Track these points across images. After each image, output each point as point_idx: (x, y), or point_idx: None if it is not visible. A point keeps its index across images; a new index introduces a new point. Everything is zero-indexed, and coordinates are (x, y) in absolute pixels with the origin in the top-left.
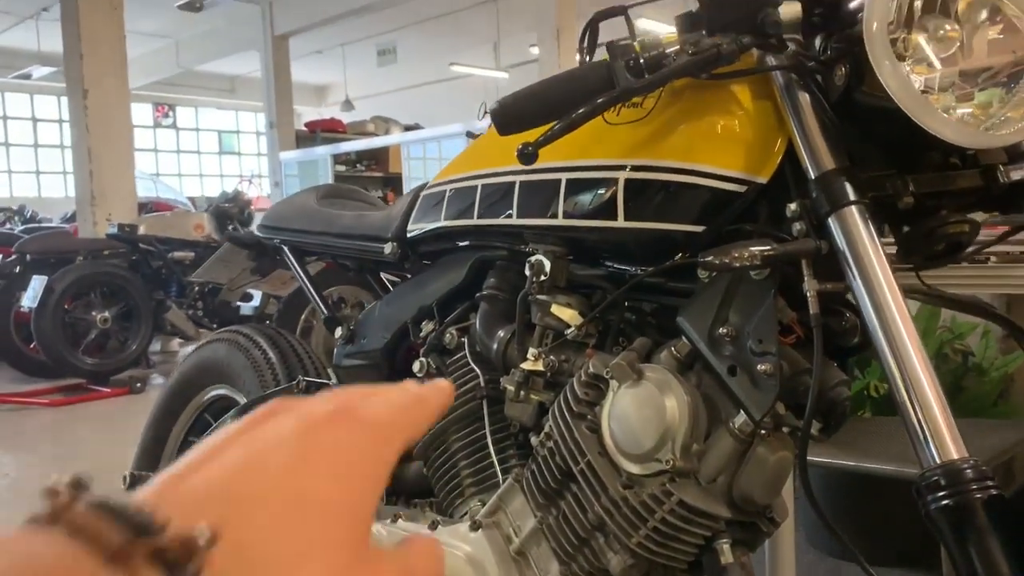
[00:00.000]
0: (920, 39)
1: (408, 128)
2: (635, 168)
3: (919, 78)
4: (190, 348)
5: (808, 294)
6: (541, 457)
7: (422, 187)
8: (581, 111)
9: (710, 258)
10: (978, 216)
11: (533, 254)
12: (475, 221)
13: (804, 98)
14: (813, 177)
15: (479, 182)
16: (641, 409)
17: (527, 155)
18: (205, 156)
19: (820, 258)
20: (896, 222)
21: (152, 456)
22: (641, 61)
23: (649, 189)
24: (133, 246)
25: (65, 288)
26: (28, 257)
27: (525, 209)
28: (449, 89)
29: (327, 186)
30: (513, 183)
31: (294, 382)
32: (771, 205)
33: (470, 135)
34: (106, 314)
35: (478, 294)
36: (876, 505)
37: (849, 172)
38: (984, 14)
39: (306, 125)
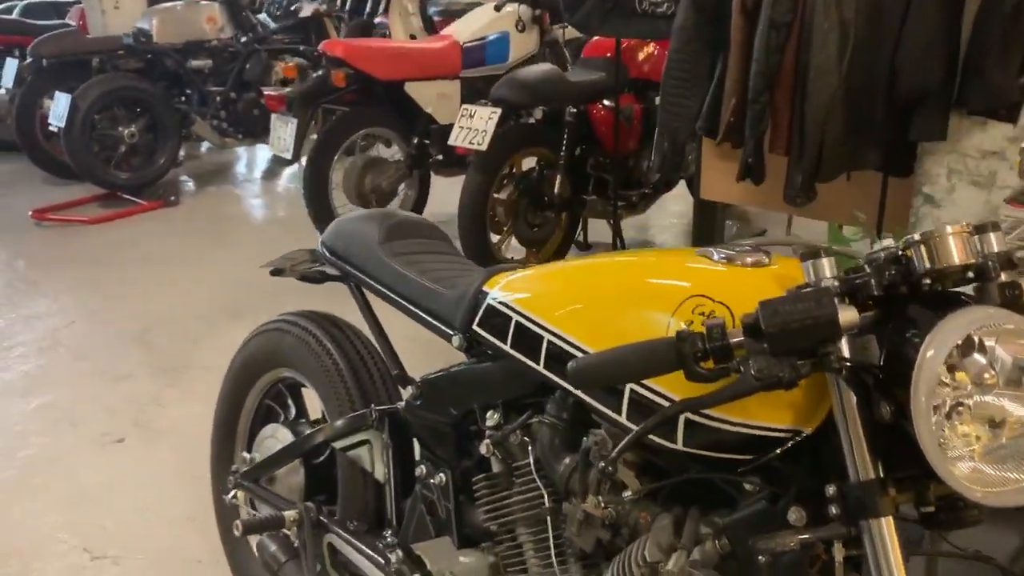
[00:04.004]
0: (967, 428)
1: None
2: (694, 411)
3: (958, 450)
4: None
5: (836, 558)
6: None
7: (487, 277)
8: None
9: (761, 544)
10: None
11: (596, 424)
12: (540, 369)
13: (851, 401)
14: (851, 480)
15: (547, 336)
16: None
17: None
18: None
19: None
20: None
21: (229, 428)
22: (707, 347)
23: (705, 429)
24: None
25: (90, 105)
26: (44, 62)
27: (593, 392)
28: None
29: (390, 223)
30: None
31: (367, 410)
32: (815, 443)
33: None
34: (132, 129)
35: (538, 418)
36: None
37: (883, 485)
38: None
39: None
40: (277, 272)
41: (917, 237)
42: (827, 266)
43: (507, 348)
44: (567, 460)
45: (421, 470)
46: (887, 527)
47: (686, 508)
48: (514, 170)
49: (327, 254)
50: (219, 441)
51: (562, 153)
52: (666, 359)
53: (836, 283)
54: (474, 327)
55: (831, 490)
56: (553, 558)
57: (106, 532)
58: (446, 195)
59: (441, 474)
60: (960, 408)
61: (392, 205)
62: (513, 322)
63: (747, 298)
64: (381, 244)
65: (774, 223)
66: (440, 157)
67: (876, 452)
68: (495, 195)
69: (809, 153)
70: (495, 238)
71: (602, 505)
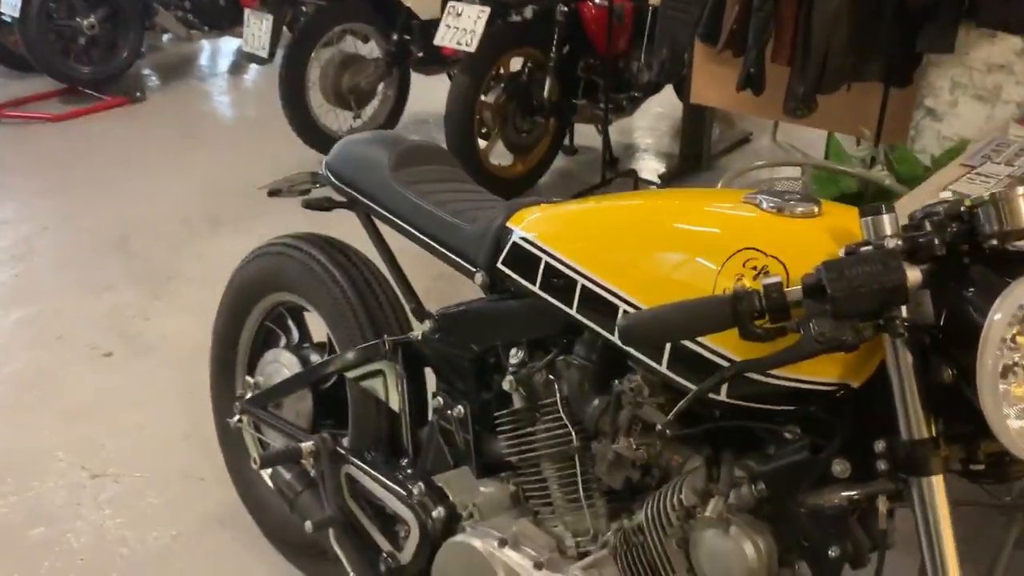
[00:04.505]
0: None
1: None
2: (745, 369)
3: (1009, 409)
4: None
5: (880, 509)
6: (634, 546)
7: (510, 212)
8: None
9: (810, 499)
10: None
11: (632, 370)
12: (572, 312)
13: (908, 361)
14: (903, 437)
15: (581, 280)
16: (725, 558)
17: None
18: None
19: None
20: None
21: (229, 350)
22: (764, 306)
23: (753, 382)
24: None
25: None
26: None
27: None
28: None
29: (401, 148)
30: (618, 308)
31: (380, 340)
32: (860, 396)
33: None
34: (92, 19)
35: (565, 358)
36: None
37: (936, 444)
38: None
39: None
40: (275, 193)
41: (986, 197)
42: (888, 223)
43: (535, 289)
44: (596, 401)
45: (438, 401)
46: (938, 485)
47: (716, 450)
48: (502, 71)
49: (331, 178)
50: (218, 362)
51: (552, 54)
52: (721, 318)
53: (899, 242)
54: (499, 265)
55: (880, 446)
56: (581, 493)
57: (104, 450)
58: (426, 94)
59: (459, 406)
60: (1016, 368)
61: (371, 105)
62: (543, 263)
63: (801, 252)
64: (392, 171)
65: (759, 127)
66: (421, 55)
67: (930, 411)
68: (483, 98)
69: (813, 63)
70: (482, 144)
71: (634, 447)
